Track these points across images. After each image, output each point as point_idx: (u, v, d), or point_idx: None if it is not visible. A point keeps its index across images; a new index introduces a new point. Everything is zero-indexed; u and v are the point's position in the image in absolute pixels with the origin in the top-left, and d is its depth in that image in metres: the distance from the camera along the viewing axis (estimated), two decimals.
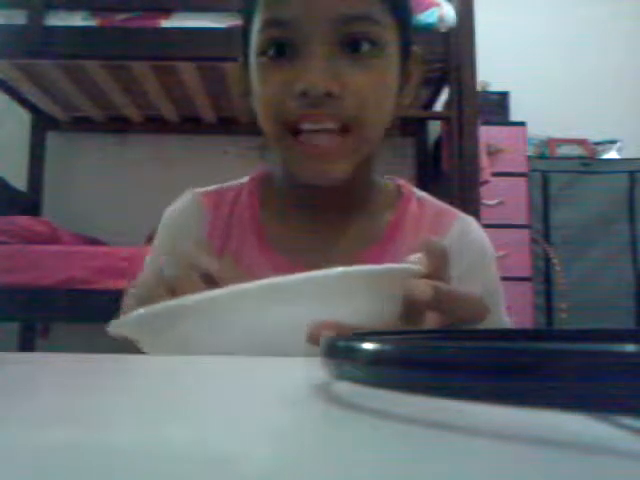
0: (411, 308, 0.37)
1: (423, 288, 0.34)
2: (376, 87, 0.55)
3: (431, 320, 0.38)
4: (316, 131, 0.54)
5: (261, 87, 0.56)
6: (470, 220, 0.67)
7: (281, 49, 0.55)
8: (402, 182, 0.68)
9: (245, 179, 0.68)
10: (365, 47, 0.54)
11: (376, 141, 0.59)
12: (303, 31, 0.54)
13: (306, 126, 0.54)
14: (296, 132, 0.55)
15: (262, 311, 0.32)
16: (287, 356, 0.33)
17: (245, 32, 0.59)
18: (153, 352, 0.37)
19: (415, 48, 0.61)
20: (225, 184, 0.68)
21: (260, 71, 0.56)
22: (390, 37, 0.56)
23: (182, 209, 0.66)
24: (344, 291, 0.33)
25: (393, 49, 0.57)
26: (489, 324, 0.42)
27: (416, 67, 0.62)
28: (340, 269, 0.32)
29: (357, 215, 0.63)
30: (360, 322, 0.33)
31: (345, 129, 0.54)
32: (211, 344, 0.34)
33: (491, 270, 0.64)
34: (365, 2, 0.54)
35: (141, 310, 0.34)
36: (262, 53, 0.56)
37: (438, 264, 0.37)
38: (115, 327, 0.36)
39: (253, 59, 0.58)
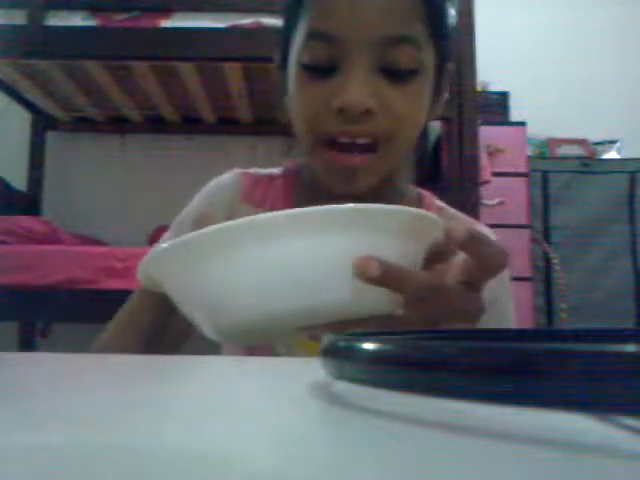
0: (441, 251, 0.38)
1: (459, 228, 0.35)
2: (412, 107, 0.56)
3: (456, 273, 0.38)
4: (349, 145, 0.55)
5: (299, 99, 0.57)
6: (487, 231, 0.68)
7: (322, 62, 0.55)
8: (425, 192, 0.70)
9: (277, 169, 0.70)
10: (404, 73, 0.55)
11: (405, 155, 0.60)
12: (346, 47, 0.54)
13: (342, 139, 0.55)
14: (330, 143, 0.56)
15: (295, 241, 0.30)
16: (321, 296, 0.31)
17: (285, 35, 0.60)
18: (178, 295, 0.34)
19: (450, 65, 0.62)
20: (261, 170, 0.71)
21: (299, 81, 0.57)
22: (428, 57, 0.57)
23: (221, 180, 0.69)
24: (387, 227, 0.32)
25: (430, 69, 0.58)
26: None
27: (447, 81, 0.63)
28: (386, 206, 0.32)
29: None
30: (397, 261, 0.33)
31: (376, 143, 0.56)
32: (236, 280, 0.31)
33: (502, 280, 0.64)
34: (409, 24, 0.55)
35: (164, 244, 0.32)
36: (303, 64, 0.56)
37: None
38: (142, 269, 0.34)
39: (292, 65, 0.58)
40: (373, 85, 0.54)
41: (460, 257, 0.39)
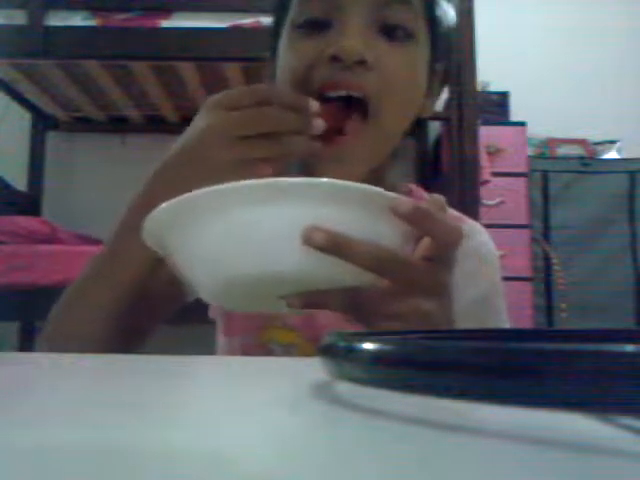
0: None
1: (405, 203, 0.35)
2: (407, 67, 0.56)
3: (420, 248, 0.39)
4: (338, 108, 0.53)
5: (291, 53, 0.56)
6: (476, 227, 0.67)
7: (317, 18, 0.55)
8: (413, 187, 0.69)
9: None
10: (399, 33, 0.55)
11: (393, 139, 0.59)
12: (342, 8, 0.54)
13: (331, 93, 0.53)
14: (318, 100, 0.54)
15: (252, 210, 0.32)
16: (275, 264, 0.33)
17: (281, 8, 0.60)
18: (176, 255, 0.36)
19: (439, 65, 0.62)
20: None
21: (292, 38, 0.56)
22: (423, 33, 0.57)
23: None
24: (340, 201, 0.33)
25: (425, 47, 0.58)
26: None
27: (437, 84, 0.63)
28: (338, 181, 0.33)
29: None
30: (367, 239, 0.34)
31: (367, 104, 0.53)
32: (203, 243, 0.34)
33: (491, 277, 0.64)
34: None
35: (162, 205, 0.34)
36: (297, 25, 0.56)
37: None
38: (145, 229, 0.36)
39: (286, 33, 0.57)
40: (369, 39, 0.54)
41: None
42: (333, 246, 0.33)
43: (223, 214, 0.33)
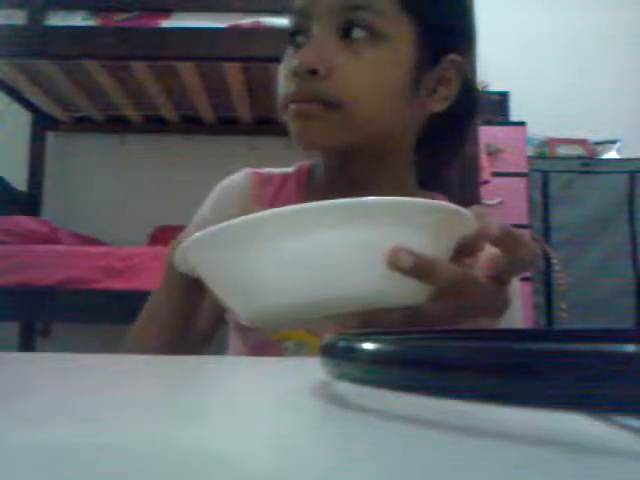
0: (469, 246, 0.38)
1: (494, 225, 0.36)
2: (367, 75, 0.56)
3: (484, 267, 0.39)
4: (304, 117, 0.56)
5: (281, 71, 0.60)
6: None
7: (296, 33, 0.59)
8: (439, 196, 0.69)
9: (291, 169, 0.70)
10: (358, 34, 0.56)
11: (375, 127, 0.58)
12: (310, 18, 0.57)
13: (291, 107, 0.56)
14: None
15: (327, 233, 0.31)
16: (349, 285, 0.32)
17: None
18: (212, 281, 0.36)
19: (453, 56, 0.60)
20: (273, 169, 0.71)
21: (286, 56, 0.60)
22: (397, 30, 0.57)
23: (232, 179, 0.70)
24: (416, 221, 0.33)
25: (403, 44, 0.57)
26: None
27: (455, 75, 0.60)
28: (417, 200, 0.33)
29: None
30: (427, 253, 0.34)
31: (331, 108, 0.55)
32: (265, 269, 0.32)
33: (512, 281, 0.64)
34: None
35: (197, 234, 0.33)
36: (289, 41, 0.60)
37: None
38: (180, 253, 0.36)
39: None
40: (326, 49, 0.55)
41: (487, 252, 0.39)
42: (417, 269, 0.32)
43: (286, 240, 0.31)
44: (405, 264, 0.32)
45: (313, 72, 0.54)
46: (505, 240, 0.36)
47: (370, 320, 0.36)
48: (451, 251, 0.38)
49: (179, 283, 0.56)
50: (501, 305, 0.39)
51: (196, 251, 0.35)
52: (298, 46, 0.58)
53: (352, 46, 0.56)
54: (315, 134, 0.56)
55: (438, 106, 0.61)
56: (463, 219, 0.36)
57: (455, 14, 0.62)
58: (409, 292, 0.34)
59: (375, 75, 0.57)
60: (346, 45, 0.56)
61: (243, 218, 0.31)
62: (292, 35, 0.60)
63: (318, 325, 0.41)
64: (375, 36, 0.56)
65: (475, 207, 0.41)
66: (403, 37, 0.57)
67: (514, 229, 0.38)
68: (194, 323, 0.62)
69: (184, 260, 0.36)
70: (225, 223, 0.32)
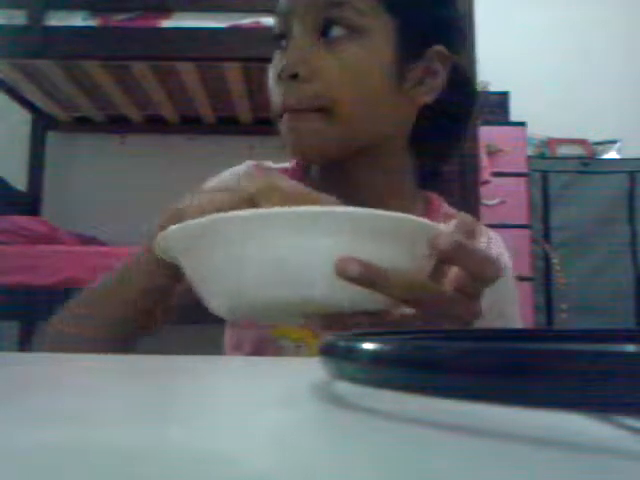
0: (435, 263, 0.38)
1: (445, 239, 0.36)
2: (348, 71, 0.56)
3: (452, 279, 0.39)
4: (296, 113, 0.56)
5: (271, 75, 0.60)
6: (493, 237, 0.67)
7: (280, 37, 0.59)
8: (434, 197, 0.69)
9: (288, 164, 0.71)
10: (336, 31, 0.56)
11: (366, 126, 0.58)
12: (291, 20, 0.57)
13: (284, 118, 0.57)
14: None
15: (289, 238, 0.33)
16: (304, 290, 0.33)
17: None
18: (189, 270, 0.37)
19: (438, 48, 0.59)
20: (273, 164, 0.71)
21: (274, 59, 0.61)
22: (375, 24, 0.57)
23: (235, 169, 0.70)
24: (374, 232, 0.34)
25: (381, 36, 0.57)
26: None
27: (442, 66, 0.60)
28: (373, 210, 0.34)
29: None
30: (399, 266, 0.35)
31: (322, 111, 0.56)
32: (230, 266, 0.34)
33: (505, 282, 0.64)
34: None
35: (172, 227, 0.35)
36: (276, 45, 0.60)
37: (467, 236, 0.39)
38: (160, 241, 0.37)
39: None
40: (306, 52, 0.56)
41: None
42: (367, 278, 0.33)
43: (255, 238, 0.33)
44: (352, 273, 0.33)
45: (295, 76, 0.55)
46: (454, 255, 0.36)
47: (333, 323, 0.37)
48: (429, 262, 0.38)
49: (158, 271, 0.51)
50: (467, 317, 0.39)
51: (177, 240, 0.36)
52: (284, 49, 0.58)
53: (332, 45, 0.56)
54: (311, 149, 0.58)
55: (426, 97, 0.60)
56: (430, 232, 0.36)
57: (435, 4, 0.61)
58: (362, 299, 0.35)
59: (356, 72, 0.57)
60: (326, 44, 0.56)
61: (213, 216, 0.33)
62: (277, 39, 0.60)
63: (284, 323, 0.42)
64: (354, 32, 0.56)
65: (462, 215, 0.41)
66: (381, 29, 0.57)
67: (470, 243, 0.37)
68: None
69: (163, 248, 0.38)
70: (196, 220, 0.34)
